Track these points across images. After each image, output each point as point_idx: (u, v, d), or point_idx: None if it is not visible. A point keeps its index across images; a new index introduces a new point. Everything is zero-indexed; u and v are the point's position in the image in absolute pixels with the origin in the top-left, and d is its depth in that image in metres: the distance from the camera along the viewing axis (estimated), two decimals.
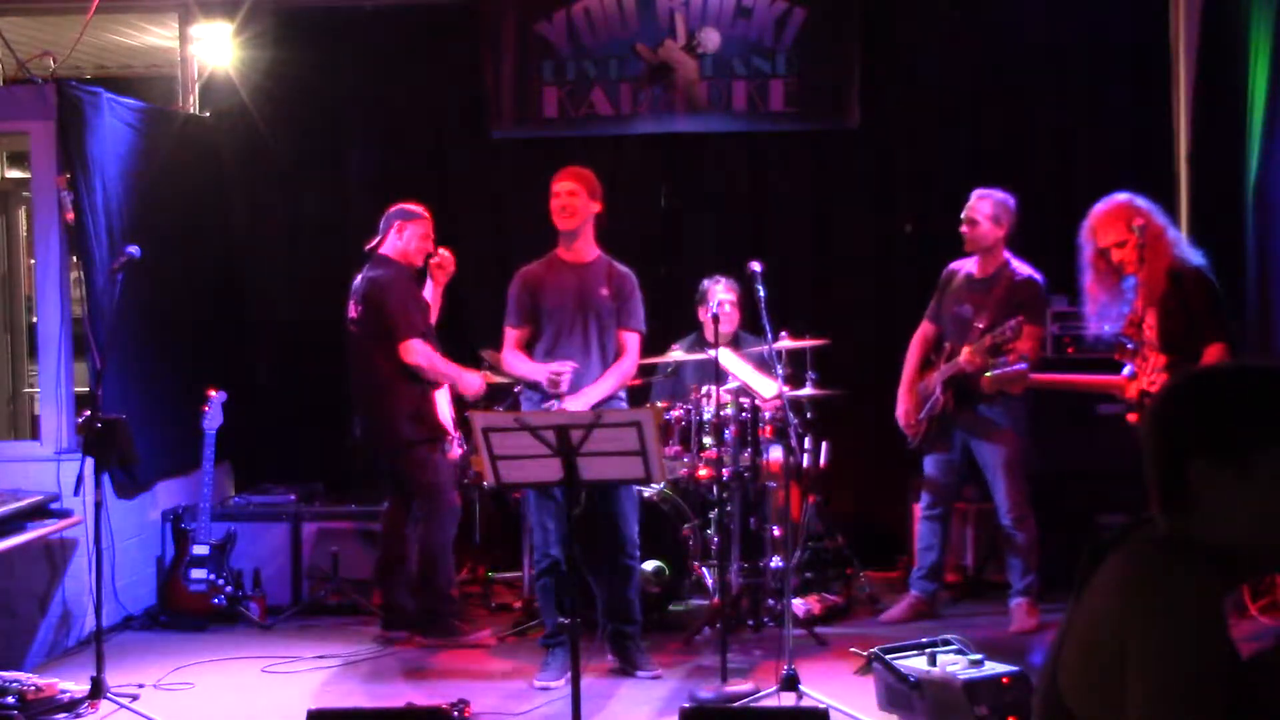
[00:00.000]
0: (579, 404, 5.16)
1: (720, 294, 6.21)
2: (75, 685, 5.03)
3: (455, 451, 6.13)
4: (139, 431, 5.67)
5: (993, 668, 4.44)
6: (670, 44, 7.18)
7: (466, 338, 6.61)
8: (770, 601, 5.91)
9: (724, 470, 5.75)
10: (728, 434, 5.83)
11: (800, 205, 7.31)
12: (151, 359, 6.47)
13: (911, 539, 6.38)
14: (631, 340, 5.40)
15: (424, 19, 7.35)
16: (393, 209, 5.98)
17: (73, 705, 4.94)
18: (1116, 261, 5.10)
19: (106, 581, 5.36)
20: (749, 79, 7.16)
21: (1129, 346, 5.06)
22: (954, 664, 4.49)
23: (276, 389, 7.41)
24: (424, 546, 5.87)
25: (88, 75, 7.77)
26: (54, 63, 6.36)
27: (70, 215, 5.97)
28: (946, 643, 4.66)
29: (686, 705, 4.57)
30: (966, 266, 6.04)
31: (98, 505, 5.21)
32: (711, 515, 6.06)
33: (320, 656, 5.70)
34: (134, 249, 5.33)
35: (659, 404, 6.30)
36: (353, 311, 5.90)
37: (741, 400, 5.84)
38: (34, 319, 6.72)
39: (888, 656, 4.60)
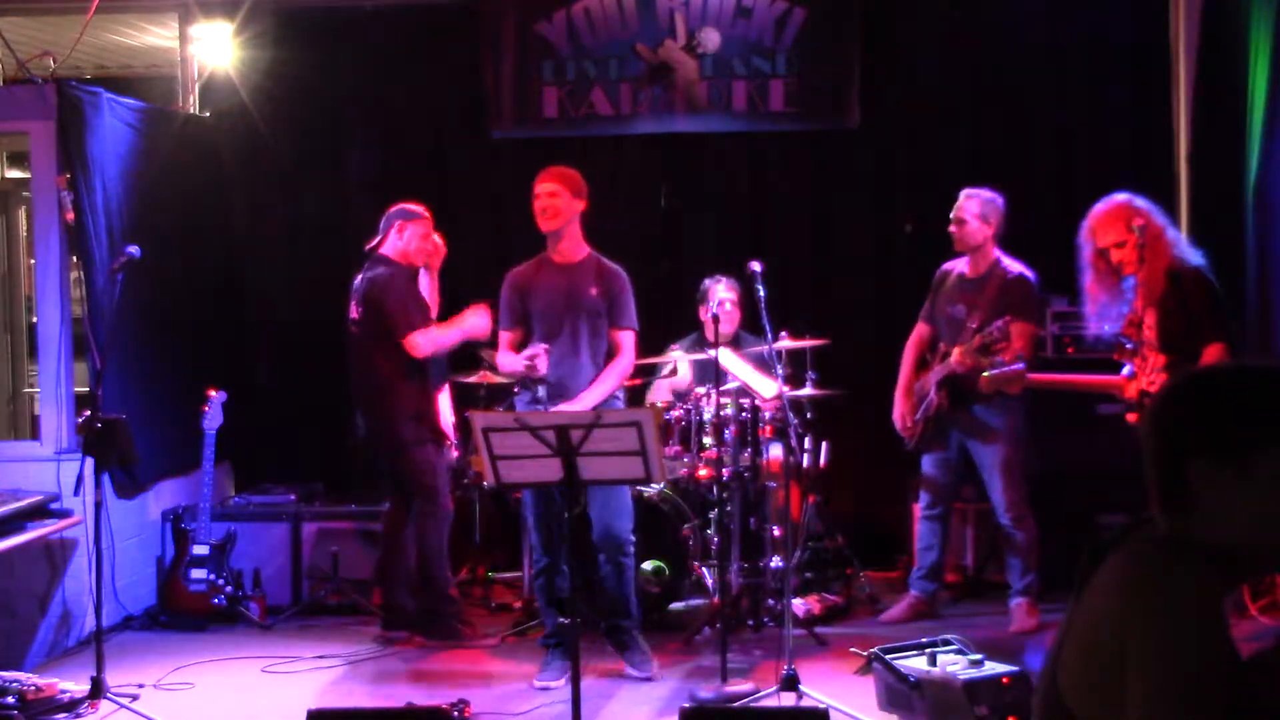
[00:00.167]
0: (578, 409, 5.13)
1: (721, 293, 6.22)
2: (75, 685, 5.03)
3: (451, 455, 6.13)
4: (139, 431, 5.67)
5: (993, 668, 4.44)
6: (670, 44, 7.19)
7: None
8: (770, 601, 5.91)
9: (724, 470, 5.75)
10: (728, 434, 5.83)
11: (800, 205, 7.31)
12: (151, 359, 6.47)
13: (911, 539, 6.38)
14: (625, 339, 5.36)
15: (424, 19, 7.35)
16: (393, 209, 5.98)
17: (73, 705, 4.94)
18: (1116, 261, 5.10)
19: (106, 581, 5.36)
20: (749, 79, 7.16)
21: (1128, 346, 5.06)
22: (954, 664, 4.49)
23: (276, 389, 7.41)
24: (420, 547, 5.87)
25: (88, 75, 7.77)
26: (54, 63, 6.36)
27: (70, 215, 5.97)
28: (946, 643, 4.66)
29: (686, 705, 4.57)
30: (959, 266, 6.04)
31: (98, 505, 5.22)
32: (711, 515, 6.06)
33: (320, 656, 5.70)
34: (134, 249, 5.33)
35: (659, 403, 6.31)
36: (353, 312, 5.90)
37: (741, 400, 5.84)
38: (34, 319, 6.71)
39: (888, 656, 4.60)
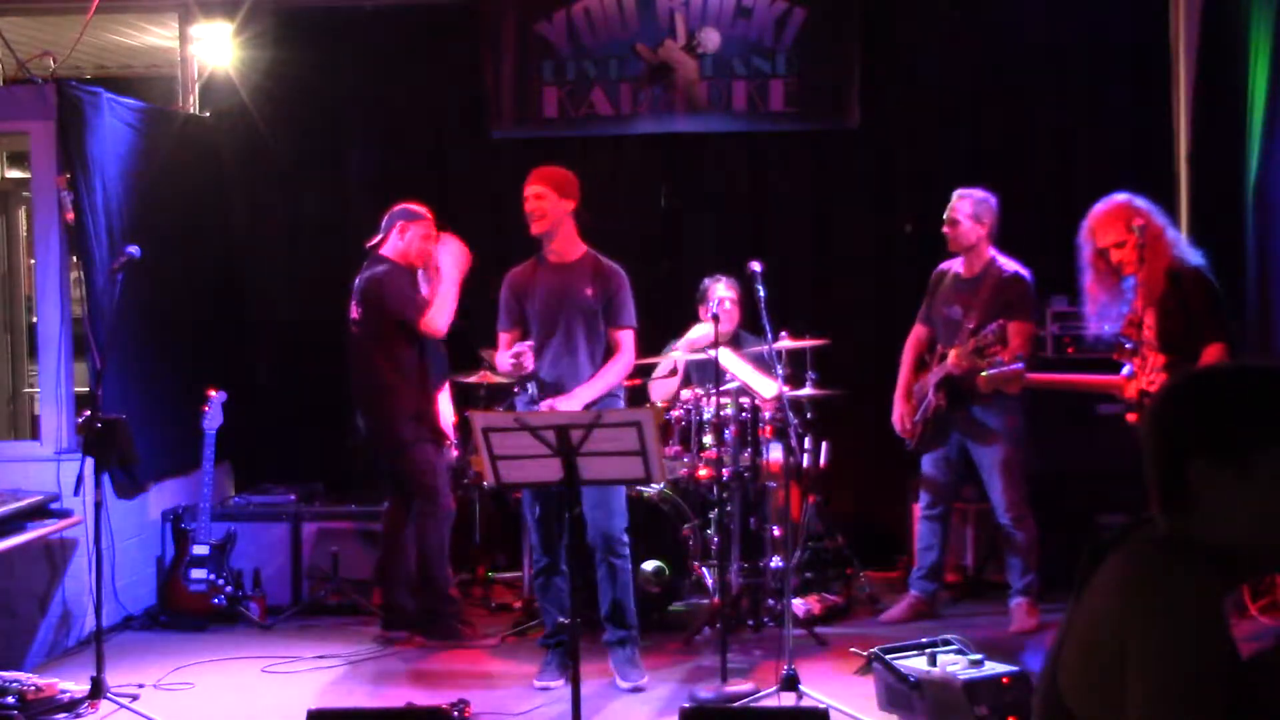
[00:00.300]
0: (572, 404, 5.11)
1: (721, 292, 6.22)
2: (75, 685, 5.03)
3: (451, 455, 6.13)
4: (139, 431, 5.68)
5: (993, 668, 4.45)
6: (670, 44, 7.19)
7: (466, 338, 6.60)
8: (770, 601, 5.91)
9: (724, 470, 5.75)
10: (728, 434, 5.83)
11: (800, 205, 7.31)
12: (151, 359, 6.47)
13: (911, 539, 6.38)
14: (625, 338, 5.32)
15: (424, 19, 7.35)
16: (396, 208, 5.98)
17: (73, 705, 4.94)
18: (1116, 262, 5.10)
19: (106, 581, 5.36)
20: (749, 79, 7.16)
21: (1128, 346, 5.06)
22: (954, 664, 4.49)
23: (276, 389, 7.41)
24: (420, 547, 5.87)
25: (88, 75, 7.77)
26: (54, 63, 6.36)
27: (70, 215, 5.97)
28: (946, 643, 4.67)
29: (686, 705, 4.57)
30: (955, 267, 6.05)
31: (98, 505, 5.22)
32: (711, 515, 6.06)
33: (320, 656, 5.70)
34: (134, 249, 5.33)
35: (659, 403, 6.31)
36: (354, 312, 5.90)
37: (741, 400, 5.84)
38: (34, 319, 6.71)
39: (888, 656, 4.60)
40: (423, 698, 4.95)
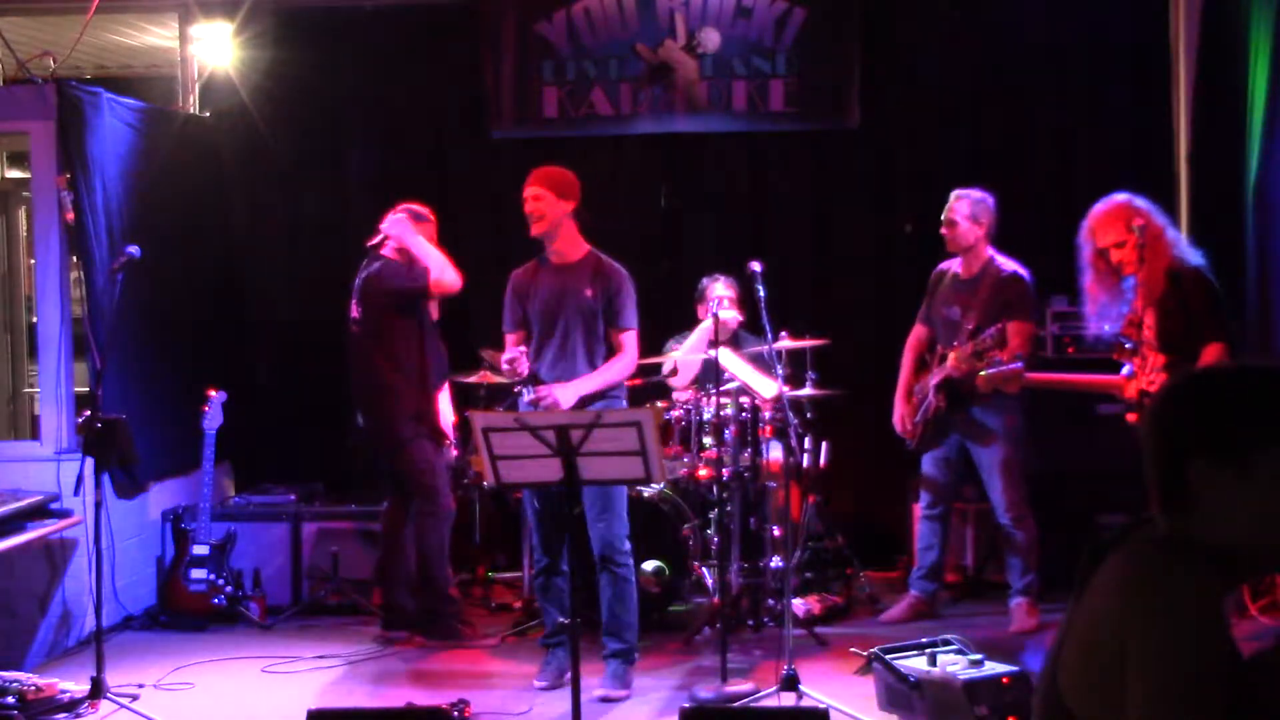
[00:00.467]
0: (566, 394, 5.08)
1: (719, 290, 6.22)
2: (75, 685, 5.03)
3: (451, 454, 6.13)
4: (139, 431, 5.68)
5: (993, 668, 4.44)
6: (670, 44, 7.19)
7: (466, 338, 6.61)
8: (770, 601, 5.91)
9: (724, 470, 5.75)
10: (728, 434, 5.83)
11: (800, 205, 7.31)
12: (151, 359, 6.47)
13: (911, 539, 6.38)
14: (627, 339, 5.28)
15: (424, 19, 7.35)
16: (400, 208, 5.98)
17: (73, 705, 4.94)
18: (1116, 261, 5.10)
19: (106, 581, 5.36)
20: (749, 79, 7.16)
21: (1128, 346, 5.06)
22: (954, 664, 4.49)
23: (276, 389, 7.41)
24: (420, 547, 5.87)
25: (88, 75, 7.77)
26: (54, 63, 6.36)
27: (70, 215, 5.97)
28: (946, 643, 4.67)
29: (686, 705, 4.57)
30: (954, 267, 6.05)
31: (98, 505, 5.22)
32: (711, 515, 6.06)
33: (320, 656, 5.70)
34: (134, 249, 5.33)
35: (659, 403, 6.31)
36: (354, 311, 5.90)
37: (741, 400, 5.84)
38: (34, 319, 6.71)
39: (888, 656, 4.60)
40: (423, 698, 4.95)
